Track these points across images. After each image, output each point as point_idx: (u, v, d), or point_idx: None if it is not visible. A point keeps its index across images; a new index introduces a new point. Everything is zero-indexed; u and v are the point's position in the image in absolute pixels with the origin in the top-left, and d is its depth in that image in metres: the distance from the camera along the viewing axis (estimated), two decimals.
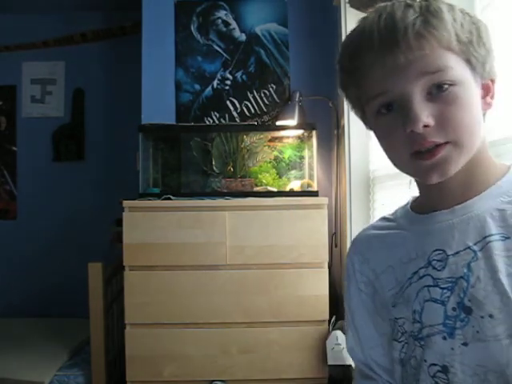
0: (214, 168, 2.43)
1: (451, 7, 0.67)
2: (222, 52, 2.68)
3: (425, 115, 0.64)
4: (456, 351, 0.65)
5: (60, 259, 3.22)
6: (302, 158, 2.45)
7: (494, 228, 0.66)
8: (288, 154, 2.45)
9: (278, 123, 2.43)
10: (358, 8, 1.72)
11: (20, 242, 3.29)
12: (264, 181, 2.38)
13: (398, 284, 0.74)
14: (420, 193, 0.79)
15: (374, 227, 0.84)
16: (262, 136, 2.43)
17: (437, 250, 0.70)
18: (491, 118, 1.21)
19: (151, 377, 2.05)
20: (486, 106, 0.71)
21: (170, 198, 2.13)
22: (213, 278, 2.05)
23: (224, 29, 2.69)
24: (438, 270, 0.69)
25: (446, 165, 0.66)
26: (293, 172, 2.43)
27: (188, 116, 2.64)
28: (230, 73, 2.67)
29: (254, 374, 2.05)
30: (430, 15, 0.65)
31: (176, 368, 2.05)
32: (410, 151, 0.66)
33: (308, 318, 2.02)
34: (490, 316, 0.63)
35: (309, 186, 2.33)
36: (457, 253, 0.68)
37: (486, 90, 0.71)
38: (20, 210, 3.36)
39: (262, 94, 2.65)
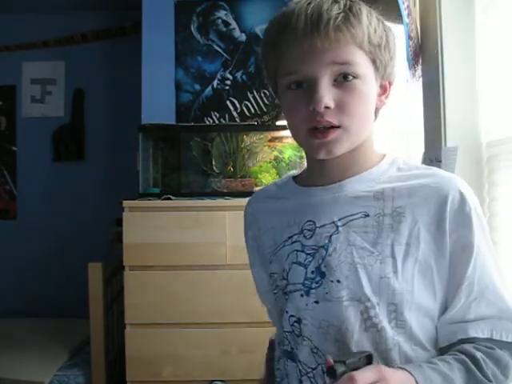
0: (214, 168, 2.43)
1: (370, 12, 0.77)
2: (222, 52, 2.68)
3: (327, 98, 0.73)
4: (309, 307, 0.77)
5: (60, 259, 3.21)
6: (301, 158, 2.45)
7: (357, 208, 0.78)
8: (288, 154, 2.45)
9: (278, 123, 2.43)
10: None
11: (20, 242, 3.29)
12: (264, 181, 2.38)
13: (275, 244, 0.85)
14: (307, 167, 0.89)
15: (267, 191, 0.96)
16: (262, 136, 2.43)
17: (309, 220, 0.81)
18: (491, 118, 1.22)
19: (151, 377, 2.05)
20: (380, 103, 0.81)
21: (169, 198, 2.13)
22: (213, 278, 2.05)
23: (224, 29, 2.69)
24: (307, 238, 0.80)
25: (334, 145, 0.76)
26: (293, 172, 2.43)
27: (188, 116, 2.64)
28: (230, 73, 2.67)
29: (253, 374, 2.04)
30: (351, 14, 0.73)
31: (176, 368, 2.05)
32: (308, 127, 0.76)
33: None
34: (338, 281, 0.75)
35: None
36: (323, 225, 0.79)
37: (383, 90, 0.81)
38: (20, 210, 3.35)
39: (262, 94, 2.65)
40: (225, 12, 2.69)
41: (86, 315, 2.14)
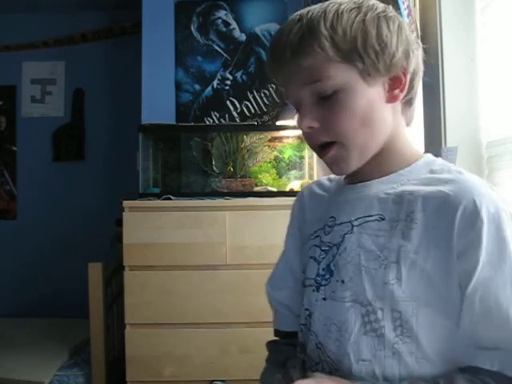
0: (214, 168, 2.43)
1: (336, 18, 0.71)
2: (222, 52, 2.68)
3: (308, 119, 0.73)
4: (318, 303, 0.78)
5: (60, 259, 3.21)
6: (301, 157, 2.45)
7: (375, 209, 0.75)
8: (288, 153, 2.45)
9: (278, 123, 2.43)
10: None
11: (20, 242, 3.29)
12: (264, 181, 2.38)
13: (306, 237, 0.86)
14: None
15: (320, 185, 0.93)
16: (262, 136, 2.42)
17: (331, 217, 0.81)
18: (491, 118, 1.22)
19: (151, 377, 2.04)
20: (392, 98, 0.74)
21: (170, 198, 2.13)
22: (213, 278, 2.05)
23: (224, 29, 2.69)
24: (326, 235, 0.80)
25: (338, 162, 0.76)
26: (293, 172, 2.43)
27: (188, 116, 2.64)
28: (230, 73, 2.67)
29: (253, 374, 2.04)
30: (307, 33, 0.71)
31: (176, 368, 2.05)
32: (309, 145, 0.78)
33: None
34: (342, 281, 0.75)
35: None
36: (341, 223, 0.78)
37: (394, 83, 0.74)
38: (20, 210, 3.36)
39: (262, 94, 2.65)
40: (225, 12, 2.69)
41: (86, 315, 2.14)
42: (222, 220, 2.05)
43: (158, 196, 2.16)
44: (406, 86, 0.74)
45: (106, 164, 3.30)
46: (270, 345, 1.03)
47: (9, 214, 3.37)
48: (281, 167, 2.44)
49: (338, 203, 0.82)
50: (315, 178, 2.31)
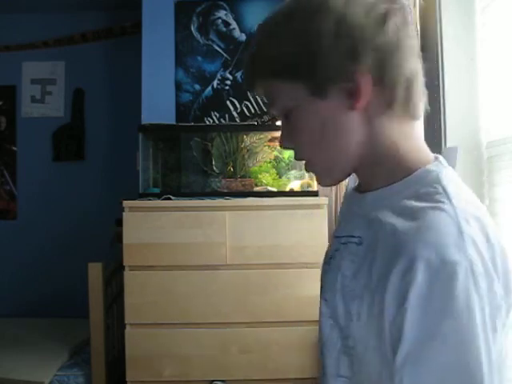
0: (214, 168, 2.43)
1: (266, 38, 0.68)
2: (222, 52, 2.68)
3: (283, 139, 0.73)
4: (323, 304, 0.77)
5: (60, 259, 3.21)
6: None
7: (358, 230, 0.69)
8: (288, 154, 2.44)
9: (278, 123, 2.43)
10: None
11: (20, 242, 3.29)
12: (264, 181, 2.38)
13: None
14: None
15: (348, 188, 0.90)
16: (261, 136, 2.42)
17: (338, 226, 0.82)
18: (491, 118, 1.22)
19: (151, 377, 2.05)
20: (354, 105, 0.64)
21: (170, 198, 2.13)
22: (213, 278, 2.05)
23: (224, 29, 2.69)
24: (331, 245, 0.80)
25: (319, 177, 0.74)
26: (293, 172, 2.43)
27: (188, 116, 2.64)
28: (230, 73, 2.67)
29: (254, 374, 2.05)
30: (249, 64, 0.70)
31: (176, 368, 2.05)
32: None
33: (308, 318, 2.02)
34: (325, 298, 0.76)
35: (309, 186, 2.33)
36: (338, 237, 0.76)
37: (351, 89, 0.63)
38: (20, 210, 3.35)
39: None
40: (225, 12, 2.69)
41: (86, 315, 2.13)
42: (221, 220, 2.05)
43: (158, 196, 2.16)
44: (368, 89, 0.63)
45: (106, 164, 3.30)
46: None
47: (9, 213, 3.37)
48: (281, 167, 2.44)
49: (342, 212, 0.84)
50: (315, 179, 2.30)
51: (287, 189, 2.34)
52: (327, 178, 0.73)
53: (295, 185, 2.35)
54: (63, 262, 3.19)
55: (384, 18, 0.62)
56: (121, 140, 3.18)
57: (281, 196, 2.14)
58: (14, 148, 3.38)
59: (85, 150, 3.35)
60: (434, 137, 1.30)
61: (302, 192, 2.25)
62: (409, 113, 0.66)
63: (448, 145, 1.24)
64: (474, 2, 1.26)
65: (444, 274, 0.53)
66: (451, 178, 0.63)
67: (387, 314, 0.57)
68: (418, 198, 0.61)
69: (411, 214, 0.59)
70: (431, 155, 0.68)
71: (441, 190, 0.61)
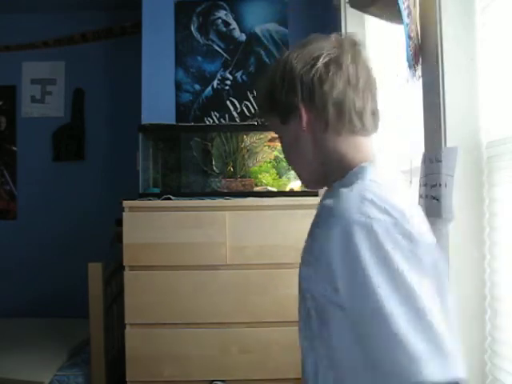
0: (214, 168, 2.43)
1: (259, 85, 0.94)
2: (222, 52, 2.68)
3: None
4: None
5: (60, 259, 3.21)
6: None
7: (314, 218, 0.85)
8: None
9: None
10: (357, 8, 1.72)
11: (20, 242, 3.29)
12: (264, 181, 2.38)
13: None
14: None
15: None
16: (261, 136, 2.42)
17: None
18: (491, 118, 1.22)
19: (151, 377, 2.05)
20: (304, 128, 0.86)
21: (170, 198, 2.13)
22: (213, 278, 2.05)
23: (224, 29, 2.69)
24: None
25: (299, 180, 0.99)
26: (293, 172, 2.43)
27: (188, 116, 2.64)
28: (230, 73, 2.67)
29: (253, 374, 2.05)
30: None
31: (176, 368, 2.05)
32: None
33: None
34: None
35: None
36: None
37: (300, 117, 0.86)
38: (20, 210, 3.36)
39: None
40: (225, 12, 2.68)
41: (86, 315, 2.13)
42: (222, 220, 2.05)
43: (158, 196, 2.16)
44: (306, 113, 0.85)
45: (106, 164, 3.30)
46: None
47: (9, 213, 3.37)
48: (281, 167, 2.44)
49: None
50: None
51: (287, 189, 2.34)
52: (301, 180, 0.96)
53: (295, 185, 2.35)
54: (63, 261, 3.19)
55: (314, 64, 0.83)
56: (121, 140, 3.18)
57: (281, 196, 2.14)
58: (14, 148, 3.38)
59: (85, 150, 3.35)
60: (434, 137, 1.30)
61: (301, 192, 2.25)
62: (348, 130, 0.84)
63: (448, 145, 1.24)
64: (474, 2, 1.26)
65: (349, 234, 0.70)
66: (375, 173, 0.80)
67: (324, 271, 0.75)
68: (346, 185, 0.79)
69: (335, 195, 0.78)
70: (372, 159, 0.86)
71: (359, 180, 0.79)
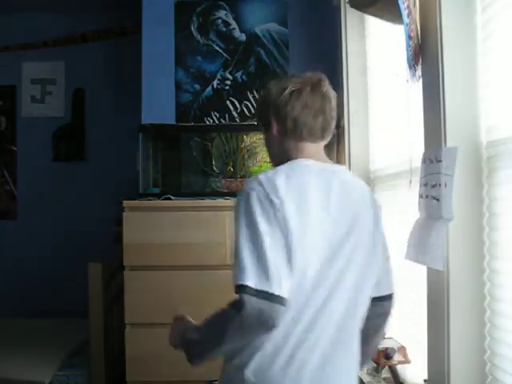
0: (214, 168, 2.43)
1: (256, 106, 1.41)
2: (222, 52, 2.68)
3: None
4: None
5: (60, 259, 3.21)
6: None
7: None
8: None
9: None
10: (357, 8, 1.72)
11: (20, 242, 3.29)
12: None
13: None
14: None
15: None
16: (262, 136, 2.42)
17: None
18: (492, 118, 1.22)
19: (151, 377, 2.05)
20: (275, 134, 1.20)
21: (170, 198, 2.13)
22: (213, 278, 2.05)
23: (224, 29, 2.69)
24: None
25: None
26: None
27: (188, 116, 2.64)
28: (230, 73, 2.67)
29: None
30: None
31: (176, 368, 2.05)
32: None
33: None
34: None
35: None
36: None
37: (272, 127, 1.19)
38: (20, 210, 3.36)
39: None
40: (225, 12, 2.69)
41: (86, 315, 2.14)
42: (221, 220, 2.05)
43: (158, 196, 2.16)
44: (274, 124, 1.18)
45: (106, 164, 3.30)
46: None
47: (9, 213, 3.37)
48: None
49: None
50: None
51: None
52: (271, 163, 1.26)
53: None
54: (63, 262, 3.19)
55: (282, 92, 1.16)
56: (121, 140, 3.18)
57: None
58: (14, 148, 3.38)
59: (85, 150, 3.35)
60: (434, 137, 1.30)
61: None
62: (299, 138, 1.16)
63: (448, 145, 1.24)
64: (474, 2, 1.26)
65: (242, 196, 1.06)
66: (296, 164, 1.13)
67: None
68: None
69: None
70: (312, 158, 1.17)
71: (283, 166, 1.12)
